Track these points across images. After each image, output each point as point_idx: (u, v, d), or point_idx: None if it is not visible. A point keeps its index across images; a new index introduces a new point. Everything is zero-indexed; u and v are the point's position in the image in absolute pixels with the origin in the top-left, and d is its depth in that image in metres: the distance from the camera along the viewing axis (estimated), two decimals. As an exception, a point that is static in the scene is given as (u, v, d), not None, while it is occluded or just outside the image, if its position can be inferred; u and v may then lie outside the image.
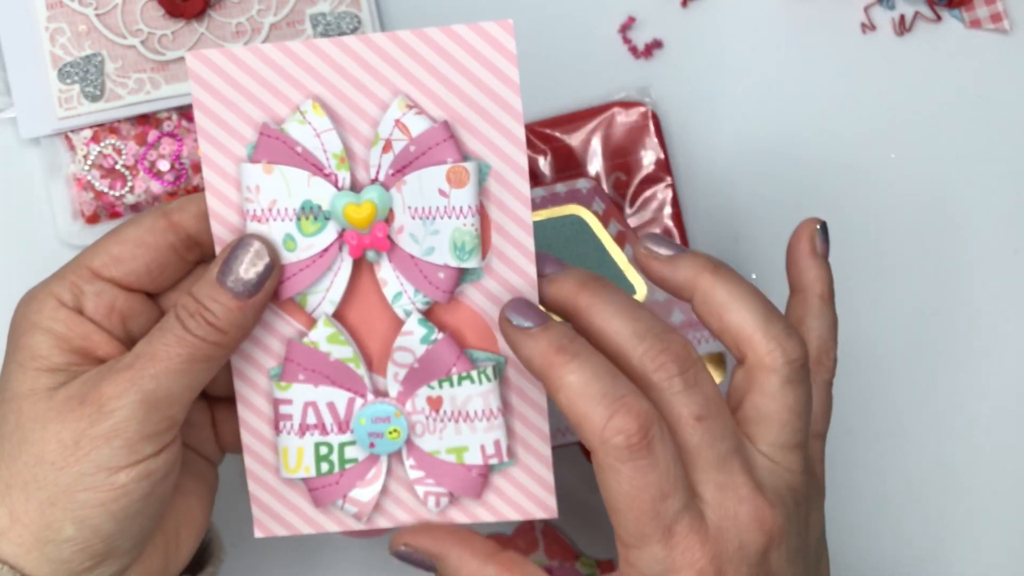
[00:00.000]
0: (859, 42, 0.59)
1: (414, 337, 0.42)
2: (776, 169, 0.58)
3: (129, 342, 0.42)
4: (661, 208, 0.57)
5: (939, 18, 0.59)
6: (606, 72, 0.58)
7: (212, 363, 0.40)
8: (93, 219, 0.55)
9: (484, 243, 0.42)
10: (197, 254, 0.43)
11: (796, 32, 0.59)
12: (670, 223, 0.57)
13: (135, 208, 0.56)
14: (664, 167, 0.57)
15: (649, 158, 0.57)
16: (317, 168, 0.40)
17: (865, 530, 0.58)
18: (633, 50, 0.59)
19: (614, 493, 0.37)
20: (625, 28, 0.59)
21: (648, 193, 0.57)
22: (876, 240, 0.58)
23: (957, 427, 0.58)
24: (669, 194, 0.57)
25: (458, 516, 0.44)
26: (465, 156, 0.41)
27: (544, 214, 0.55)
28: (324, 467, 0.43)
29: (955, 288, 0.58)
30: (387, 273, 0.42)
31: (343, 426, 0.43)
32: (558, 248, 0.55)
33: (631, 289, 0.54)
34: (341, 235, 0.41)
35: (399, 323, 0.42)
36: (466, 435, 0.43)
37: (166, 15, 0.55)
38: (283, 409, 0.42)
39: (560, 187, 0.55)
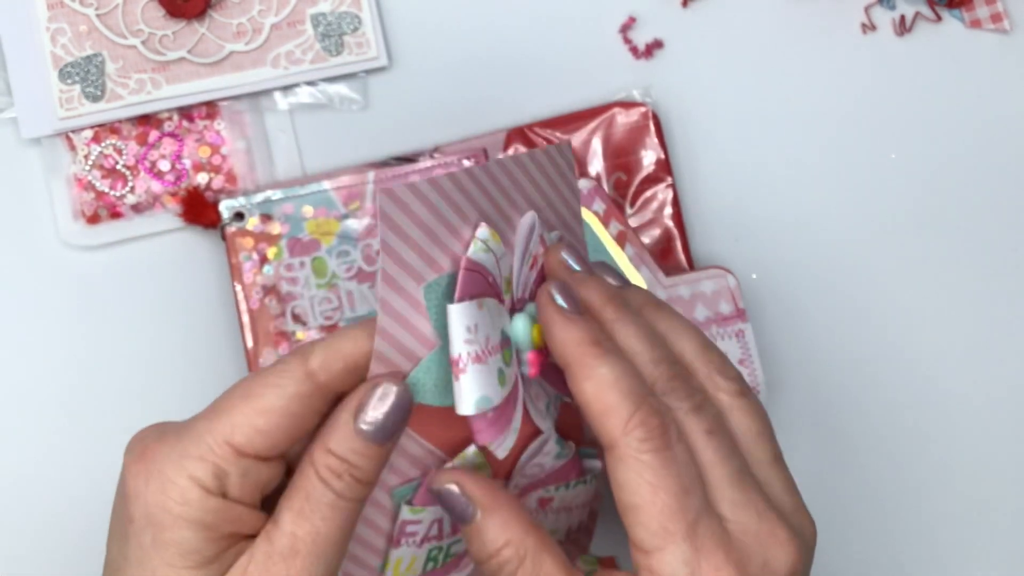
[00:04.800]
0: (859, 42, 0.59)
1: (549, 456, 0.42)
2: (776, 169, 0.58)
3: (263, 503, 0.39)
4: (661, 208, 0.57)
5: (939, 18, 0.59)
6: (606, 72, 0.58)
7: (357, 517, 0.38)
8: (94, 219, 0.55)
9: None
10: (335, 402, 0.39)
11: (796, 32, 0.59)
12: (670, 223, 0.57)
13: (136, 208, 0.56)
14: (664, 167, 0.57)
15: (649, 158, 0.57)
16: (499, 296, 0.39)
17: (863, 532, 0.58)
18: (633, 50, 0.59)
19: (635, 486, 0.37)
20: (625, 28, 0.59)
21: (648, 193, 0.57)
22: (876, 239, 0.58)
23: (957, 426, 0.58)
24: (669, 194, 0.57)
25: None
26: None
27: (545, 214, 0.55)
28: (430, 565, 0.42)
29: (955, 287, 0.58)
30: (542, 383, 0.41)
31: (457, 530, 0.42)
32: (558, 248, 0.55)
33: (631, 289, 0.55)
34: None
35: (533, 431, 0.41)
36: (563, 520, 0.44)
37: (167, 15, 0.55)
38: (410, 528, 0.41)
39: (560, 187, 0.55)
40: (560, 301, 0.39)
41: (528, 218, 0.40)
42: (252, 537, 0.38)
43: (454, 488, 0.39)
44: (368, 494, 0.38)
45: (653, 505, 0.37)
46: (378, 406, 0.37)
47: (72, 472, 0.54)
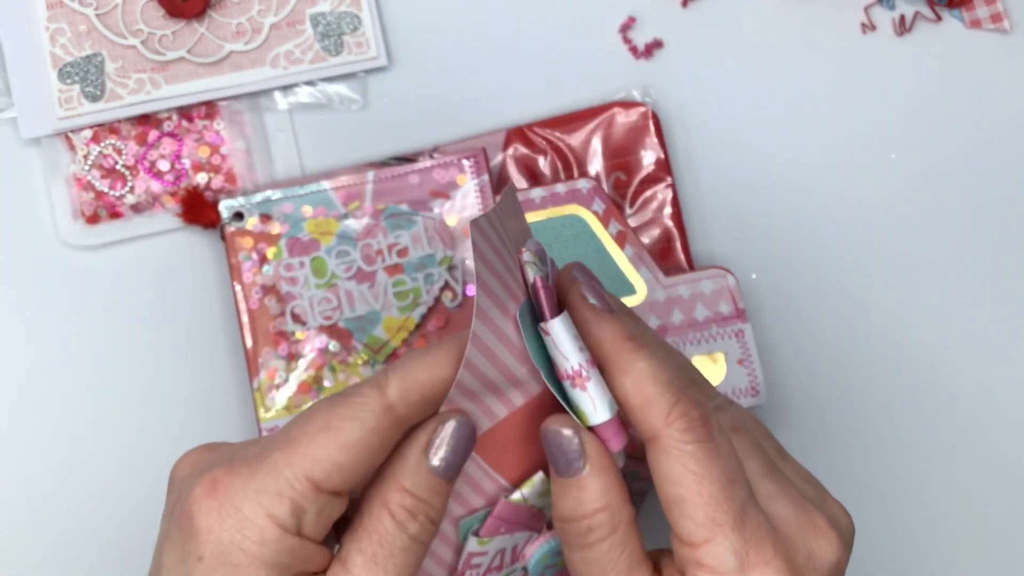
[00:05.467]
0: (859, 42, 0.59)
1: None
2: (776, 169, 0.58)
3: (328, 538, 0.38)
4: (661, 208, 0.57)
5: (939, 18, 0.59)
6: (606, 72, 0.58)
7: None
8: (93, 219, 0.56)
9: None
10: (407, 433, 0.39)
11: (796, 32, 0.59)
12: (670, 223, 0.57)
13: (135, 208, 0.56)
14: (664, 167, 0.57)
15: (649, 158, 0.57)
16: None
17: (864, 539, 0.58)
18: (633, 50, 0.59)
19: (680, 477, 0.36)
20: (625, 28, 0.59)
21: (648, 193, 0.57)
22: (875, 239, 0.58)
23: (958, 426, 0.58)
24: (669, 194, 0.57)
25: None
26: None
27: (544, 214, 0.55)
28: None
29: (955, 287, 0.58)
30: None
31: (516, 558, 0.42)
32: (558, 248, 0.55)
33: (631, 290, 0.55)
34: None
35: None
36: None
37: (166, 15, 0.55)
38: (475, 560, 0.40)
39: (560, 187, 0.55)
40: (592, 300, 0.39)
41: (533, 243, 0.39)
42: (316, 574, 0.37)
43: (570, 433, 0.37)
44: (435, 535, 0.37)
45: (699, 495, 0.36)
46: (448, 441, 0.37)
47: (71, 471, 0.54)
